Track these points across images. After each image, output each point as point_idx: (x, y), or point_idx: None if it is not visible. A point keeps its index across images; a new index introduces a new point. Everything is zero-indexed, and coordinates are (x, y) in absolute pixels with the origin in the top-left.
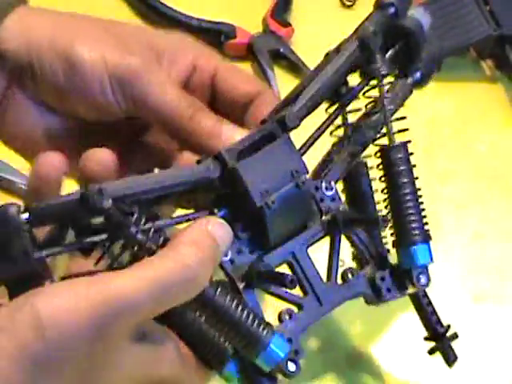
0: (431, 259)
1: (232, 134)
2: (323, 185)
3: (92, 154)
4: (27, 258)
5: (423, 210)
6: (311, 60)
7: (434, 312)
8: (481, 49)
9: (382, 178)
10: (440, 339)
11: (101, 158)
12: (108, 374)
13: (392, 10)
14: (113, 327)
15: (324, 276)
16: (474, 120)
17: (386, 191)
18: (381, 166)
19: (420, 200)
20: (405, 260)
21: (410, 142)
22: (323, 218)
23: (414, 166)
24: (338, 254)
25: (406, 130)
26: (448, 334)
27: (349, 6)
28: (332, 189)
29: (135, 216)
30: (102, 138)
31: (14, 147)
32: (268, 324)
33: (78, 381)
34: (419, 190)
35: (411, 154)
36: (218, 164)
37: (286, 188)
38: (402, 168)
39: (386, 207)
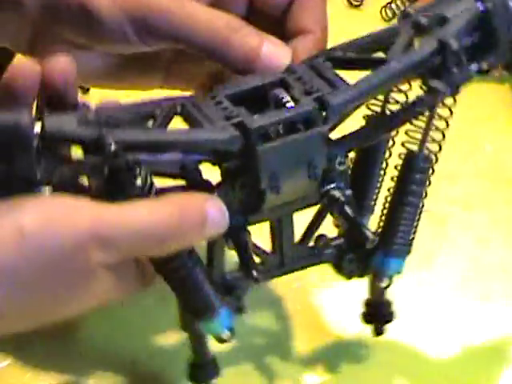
0: (400, 272)
1: (274, 53)
2: (338, 159)
3: (53, 62)
4: (30, 173)
5: (417, 225)
6: None
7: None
8: None
9: (395, 179)
10: (378, 314)
11: (62, 67)
12: (77, 294)
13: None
14: (92, 253)
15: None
16: (481, 121)
17: (391, 191)
18: (399, 167)
19: (418, 217)
20: (377, 262)
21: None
22: (321, 189)
23: (430, 183)
24: (321, 222)
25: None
26: (386, 312)
27: (356, 6)
28: (344, 163)
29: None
30: (143, 64)
31: None
32: (220, 297)
33: (48, 295)
34: (423, 206)
35: (433, 171)
36: (241, 138)
37: (298, 176)
38: (418, 182)
39: (384, 204)
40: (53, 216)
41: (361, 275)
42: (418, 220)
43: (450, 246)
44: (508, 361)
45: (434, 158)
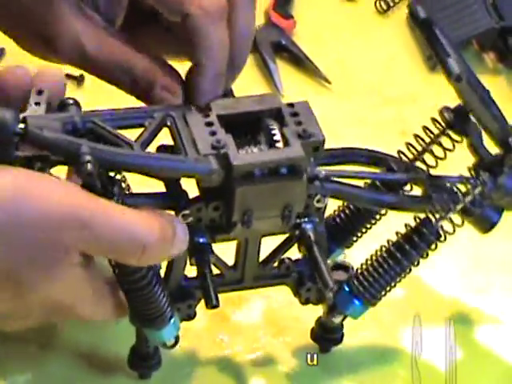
0: (355, 318)
1: None
2: (317, 197)
3: (10, 71)
4: (5, 162)
5: (394, 286)
6: (313, 52)
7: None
8: (483, 41)
9: (396, 238)
10: (326, 337)
11: (19, 75)
12: (41, 269)
13: None
14: (68, 233)
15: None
16: None
17: (388, 244)
18: (407, 228)
19: (399, 279)
20: (340, 298)
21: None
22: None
23: (427, 255)
24: (288, 248)
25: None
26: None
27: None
28: (323, 202)
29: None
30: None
31: None
32: (172, 306)
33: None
34: (409, 272)
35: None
36: (222, 173)
37: (272, 215)
38: (418, 248)
39: (374, 254)
40: (31, 190)
41: (317, 303)
42: (398, 282)
43: (449, 239)
44: None
45: (444, 236)
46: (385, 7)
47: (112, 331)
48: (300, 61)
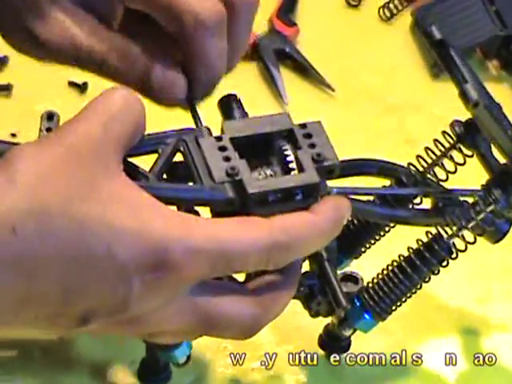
0: (365, 332)
1: None
2: None
3: None
4: None
5: (404, 302)
6: (317, 60)
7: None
8: (487, 49)
9: (409, 253)
10: (334, 344)
11: None
12: None
13: None
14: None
15: None
16: None
17: (399, 260)
18: (419, 244)
19: (409, 295)
20: (352, 311)
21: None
22: None
23: (438, 272)
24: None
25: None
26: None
27: (354, 6)
28: None
29: None
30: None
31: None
32: None
33: None
34: (420, 289)
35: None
36: (238, 200)
37: None
38: (428, 264)
39: (385, 268)
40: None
41: (326, 316)
42: (408, 297)
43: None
44: None
45: (456, 253)
46: (388, 15)
47: (122, 344)
48: (304, 68)
